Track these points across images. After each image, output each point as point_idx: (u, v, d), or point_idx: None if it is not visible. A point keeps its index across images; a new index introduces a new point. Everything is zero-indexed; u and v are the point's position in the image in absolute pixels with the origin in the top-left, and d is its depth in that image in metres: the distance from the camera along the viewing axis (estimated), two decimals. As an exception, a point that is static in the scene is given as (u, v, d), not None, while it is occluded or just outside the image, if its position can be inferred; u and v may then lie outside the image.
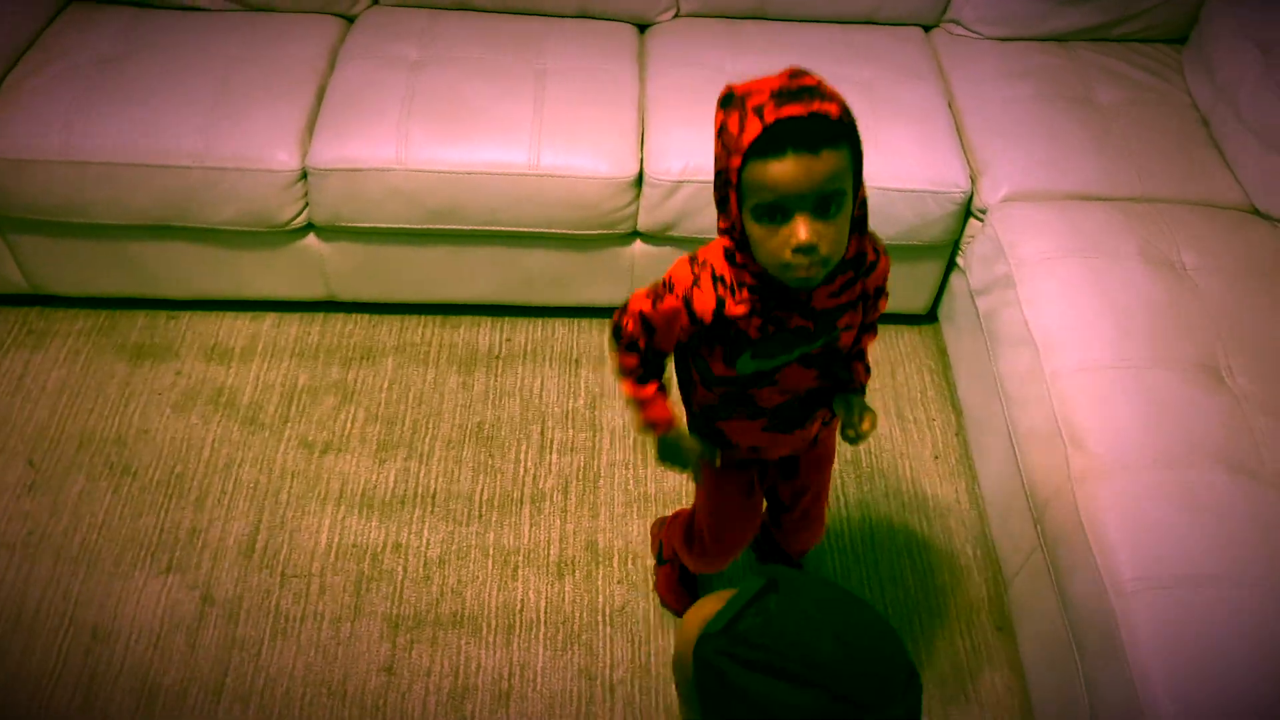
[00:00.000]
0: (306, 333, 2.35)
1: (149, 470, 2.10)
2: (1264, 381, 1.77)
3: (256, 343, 2.32)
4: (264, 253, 2.22)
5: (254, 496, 2.07)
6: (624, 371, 1.42)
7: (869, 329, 1.42)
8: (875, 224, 2.06)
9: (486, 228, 2.14)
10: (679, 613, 1.96)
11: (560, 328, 2.40)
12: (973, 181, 2.15)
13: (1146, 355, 1.79)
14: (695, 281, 1.25)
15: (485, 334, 2.38)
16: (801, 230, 1.11)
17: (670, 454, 1.49)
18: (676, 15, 2.45)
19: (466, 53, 2.24)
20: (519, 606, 1.95)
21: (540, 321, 2.41)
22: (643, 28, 2.44)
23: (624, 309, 1.38)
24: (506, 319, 2.41)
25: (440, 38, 2.27)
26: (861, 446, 2.21)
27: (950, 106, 2.28)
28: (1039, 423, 1.80)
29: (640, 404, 1.43)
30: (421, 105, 2.12)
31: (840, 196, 1.11)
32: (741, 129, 1.09)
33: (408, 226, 2.14)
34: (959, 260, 2.26)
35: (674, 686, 0.84)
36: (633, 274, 2.28)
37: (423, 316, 2.40)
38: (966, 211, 2.17)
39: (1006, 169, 2.13)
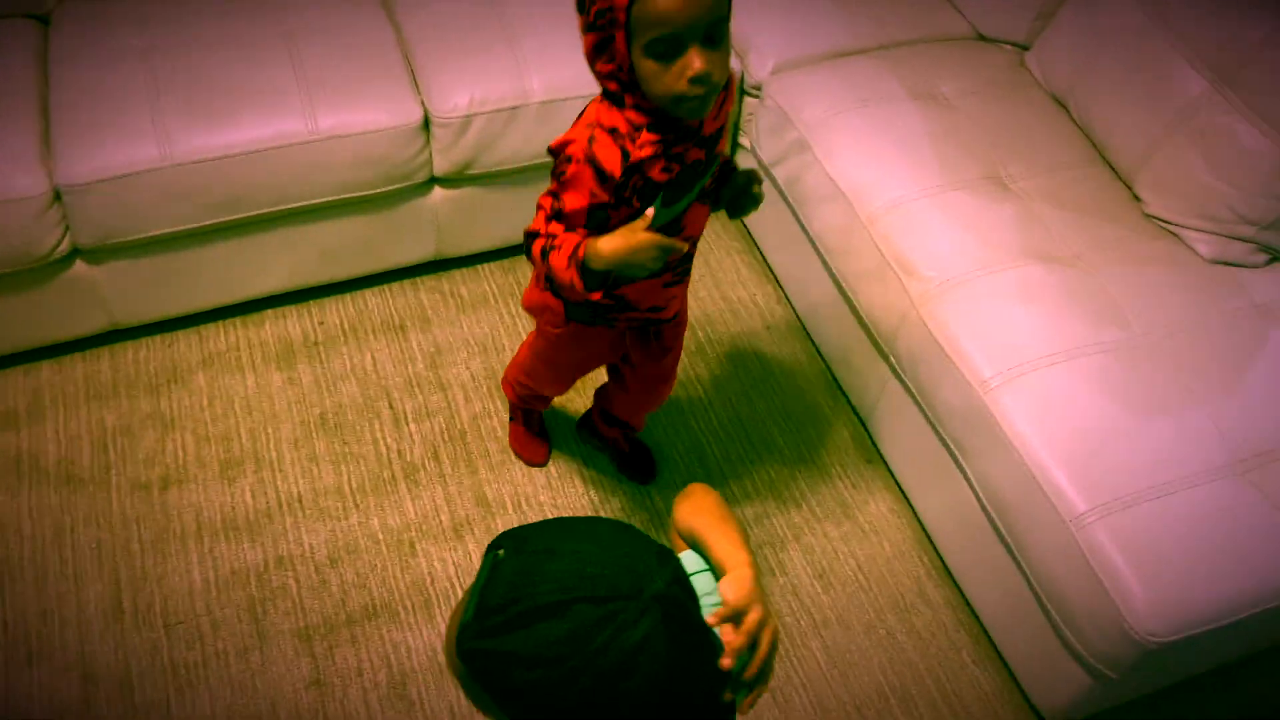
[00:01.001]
0: (95, 371, 2.12)
1: (-36, 565, 1.84)
2: (1037, 177, 1.99)
3: (42, 396, 2.07)
4: (26, 294, 1.96)
5: (101, 557, 1.87)
6: (565, 267, 1.31)
7: None
8: None
9: (276, 209, 2.00)
10: (536, 464, 2.04)
11: (372, 298, 2.30)
12: (740, 59, 2.24)
13: (940, 180, 1.96)
14: (591, 140, 1.27)
15: (294, 323, 2.24)
16: (696, 61, 1.16)
17: (636, 263, 1.30)
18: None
19: (197, 29, 2.05)
20: (429, 579, 1.89)
21: (349, 296, 2.30)
22: (372, -30, 2.33)
23: (532, 235, 1.37)
24: (312, 302, 2.27)
25: (159, 18, 2.06)
26: (700, 337, 2.29)
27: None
28: (868, 265, 1.94)
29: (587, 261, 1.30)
30: (170, 93, 1.93)
31: (724, 23, 1.17)
32: None
33: (189, 227, 1.96)
34: (741, 141, 2.36)
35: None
36: (437, 223, 2.21)
37: (222, 321, 2.22)
38: (740, 91, 2.26)
39: (768, 43, 2.24)
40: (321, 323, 2.25)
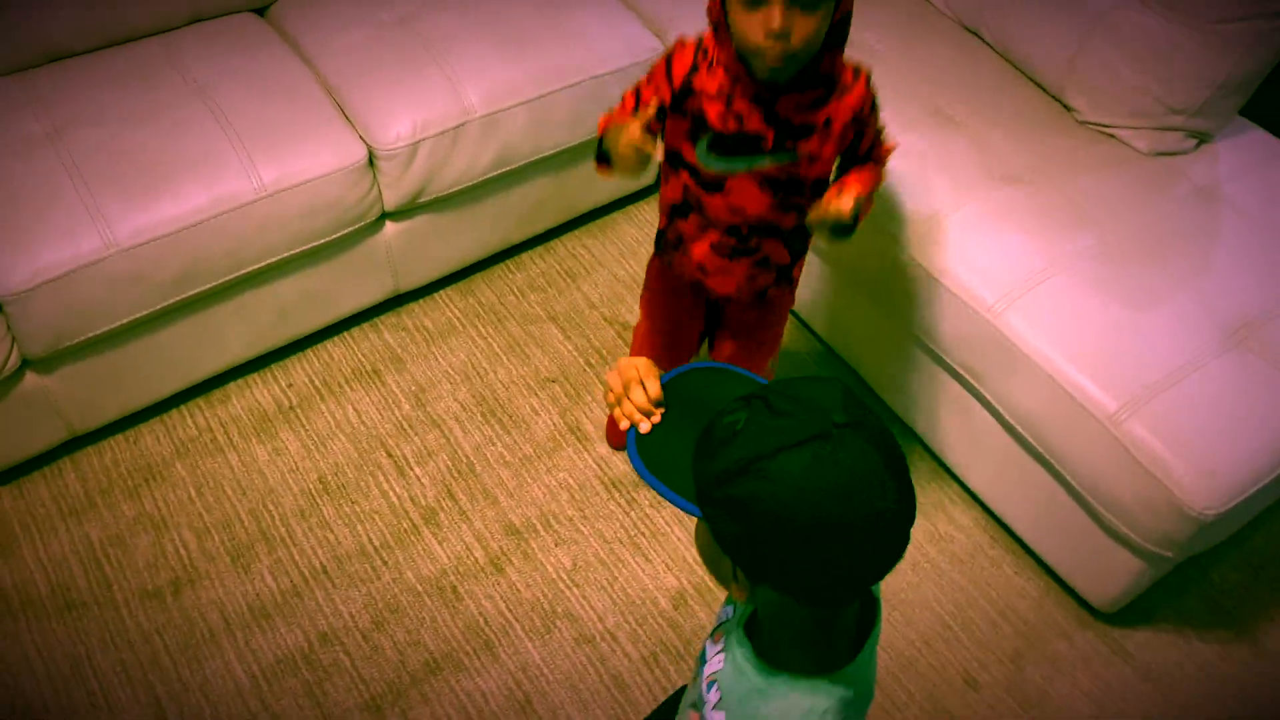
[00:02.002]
0: (62, 486, 1.95)
1: (-20, 725, 1.68)
2: (974, 106, 2.07)
3: (9, 525, 1.90)
4: (-25, 420, 1.79)
5: (130, 679, 1.74)
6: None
7: (862, 164, 1.45)
8: (586, 113, 2.10)
9: (231, 276, 1.89)
10: (616, 447, 2.06)
11: (335, 349, 2.20)
12: (659, 39, 2.24)
13: (891, 125, 2.01)
14: (683, 46, 1.34)
15: (262, 392, 2.12)
16: (777, 16, 1.17)
17: (613, 139, 1.33)
18: (292, -15, 2.23)
19: (99, 102, 1.89)
20: (481, 620, 1.84)
21: (311, 352, 2.19)
22: (261, 10, 2.20)
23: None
24: (274, 366, 2.16)
25: (53, 98, 1.90)
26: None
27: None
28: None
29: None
30: (94, 175, 1.78)
31: None
32: None
33: (143, 314, 1.83)
34: (672, 119, 2.35)
35: (710, 576, 0.89)
36: (391, 259, 2.13)
37: (184, 405, 2.08)
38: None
39: (689, 18, 2.24)
40: (290, 385, 2.14)
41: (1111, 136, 2.04)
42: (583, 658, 1.81)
